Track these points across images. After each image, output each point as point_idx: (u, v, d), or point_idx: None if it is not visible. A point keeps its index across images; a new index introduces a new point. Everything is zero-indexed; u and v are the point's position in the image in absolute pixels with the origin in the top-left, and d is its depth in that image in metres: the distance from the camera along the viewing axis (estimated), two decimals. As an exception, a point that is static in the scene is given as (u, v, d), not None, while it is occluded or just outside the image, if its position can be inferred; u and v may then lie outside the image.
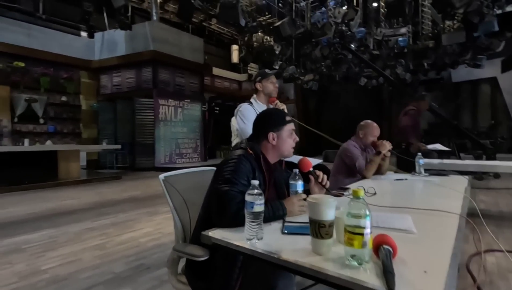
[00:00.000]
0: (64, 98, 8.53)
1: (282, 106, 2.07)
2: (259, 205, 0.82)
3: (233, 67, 13.74)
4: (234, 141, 3.50)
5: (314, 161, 1.97)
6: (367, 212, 0.68)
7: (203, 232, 0.92)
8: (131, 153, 8.58)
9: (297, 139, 1.24)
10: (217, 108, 11.91)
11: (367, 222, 0.68)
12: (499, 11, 6.23)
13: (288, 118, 1.24)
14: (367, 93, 12.85)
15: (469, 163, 3.43)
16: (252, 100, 2.09)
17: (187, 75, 9.59)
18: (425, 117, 12.38)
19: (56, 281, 1.95)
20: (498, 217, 3.37)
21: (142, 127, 8.55)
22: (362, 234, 0.67)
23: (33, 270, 2.12)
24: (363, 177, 2.18)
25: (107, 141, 7.60)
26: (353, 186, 1.70)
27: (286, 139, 1.20)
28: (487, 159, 5.97)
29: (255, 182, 0.84)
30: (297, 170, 1.18)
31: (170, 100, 8.85)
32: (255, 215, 0.82)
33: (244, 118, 1.97)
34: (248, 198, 0.83)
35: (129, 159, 8.64)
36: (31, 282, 1.94)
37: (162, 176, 1.26)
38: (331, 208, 0.74)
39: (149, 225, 3.25)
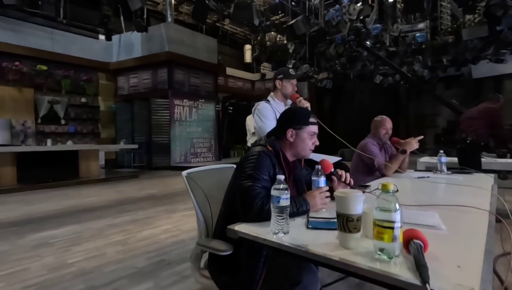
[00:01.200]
0: (83, 100, 8.83)
1: (306, 104, 2.05)
2: (285, 200, 0.83)
3: (246, 67, 13.80)
4: (250, 140, 3.50)
5: (333, 159, 1.96)
6: (397, 206, 0.68)
7: (229, 226, 0.94)
8: (147, 152, 8.77)
9: (317, 143, 1.23)
10: (231, 108, 11.99)
11: (397, 216, 0.67)
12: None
13: (312, 120, 1.22)
14: (383, 91, 12.57)
15: (492, 161, 3.31)
16: (269, 98, 2.10)
17: (201, 76, 9.71)
18: (445, 115, 12.02)
19: (82, 274, 2.03)
20: (525, 217, 3.22)
21: (158, 127, 8.73)
22: (392, 228, 0.67)
23: (60, 264, 2.21)
24: (383, 175, 2.15)
25: (124, 141, 7.81)
26: (373, 184, 1.68)
27: (305, 140, 1.19)
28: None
29: (281, 177, 0.86)
30: (319, 166, 1.18)
31: (185, 100, 8.99)
32: (281, 209, 0.83)
33: (262, 116, 1.98)
34: (274, 192, 0.84)
35: (146, 158, 8.84)
36: (59, 275, 2.02)
37: (185, 172, 1.29)
38: (359, 202, 0.74)
39: (168, 222, 3.32)
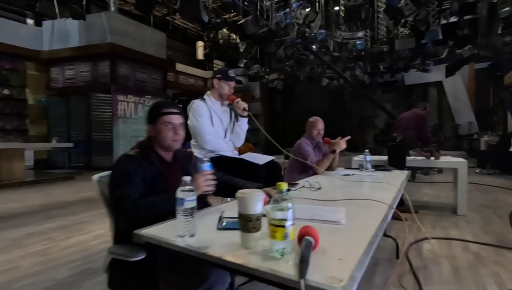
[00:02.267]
0: (6, 92, 7.73)
1: (244, 105, 2.06)
2: (189, 201, 0.81)
3: (199, 64, 13.49)
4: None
5: (265, 158, 2.01)
6: (289, 205, 0.71)
7: (135, 231, 0.89)
8: (86, 151, 8.04)
9: (181, 134, 1.23)
10: (181, 105, 11.54)
11: (289, 215, 0.70)
12: (444, 21, 6.84)
13: (166, 110, 1.21)
14: (330, 93, 13.38)
15: (412, 159, 3.73)
16: (205, 96, 2.07)
17: (148, 71, 9.20)
18: (383, 117, 13.24)
19: (-15, 292, 1.77)
20: (438, 207, 3.70)
21: (98, 124, 8.05)
22: (283, 226, 0.69)
23: (-43, 282, 1.90)
24: (315, 173, 2.27)
25: (57, 139, 7.04)
26: (303, 182, 1.76)
27: (162, 131, 1.20)
28: (432, 155, 6.55)
29: (187, 178, 0.84)
30: (204, 152, 1.19)
31: (130, 96, 8.44)
32: (185, 211, 0.81)
33: (197, 115, 1.94)
34: (179, 194, 0.82)
35: (84, 158, 8.09)
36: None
37: (96, 176, 1.21)
38: (257, 202, 0.76)
39: (102, 227, 3.07)
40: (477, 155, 7.93)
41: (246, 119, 2.07)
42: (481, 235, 2.65)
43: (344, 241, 0.81)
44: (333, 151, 2.27)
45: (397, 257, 2.22)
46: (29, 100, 8.21)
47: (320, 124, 2.45)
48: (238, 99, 2.03)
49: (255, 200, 0.75)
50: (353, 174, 2.14)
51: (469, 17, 6.17)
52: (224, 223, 0.92)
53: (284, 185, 0.73)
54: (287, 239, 0.69)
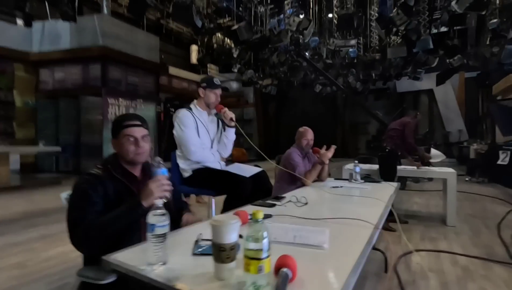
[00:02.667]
0: (-7, 93, 7.55)
1: (231, 115, 2.02)
2: (161, 227, 0.76)
3: (193, 68, 13.44)
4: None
5: (252, 169, 1.96)
6: (265, 234, 0.67)
7: (103, 257, 0.83)
8: (75, 155, 7.87)
9: (144, 146, 1.17)
10: (173, 109, 11.52)
11: (264, 246, 0.66)
12: (435, 31, 6.95)
13: (127, 123, 1.16)
14: (323, 99, 13.46)
15: (402, 168, 3.74)
16: (192, 105, 2.02)
17: (141, 74, 9.11)
18: (375, 124, 13.35)
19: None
20: (427, 217, 3.70)
21: (88, 128, 7.90)
22: (258, 259, 0.65)
23: None
24: (303, 184, 2.23)
25: (44, 143, 6.87)
26: (289, 196, 1.72)
27: (123, 145, 1.15)
28: (422, 163, 6.59)
29: (158, 202, 0.79)
30: (158, 158, 1.14)
31: (121, 99, 8.31)
32: (156, 238, 0.76)
33: (182, 125, 1.89)
34: (150, 219, 0.76)
35: (73, 162, 7.92)
36: None
37: (65, 194, 1.15)
38: (232, 231, 0.71)
39: (84, 237, 2.97)
40: (466, 163, 8.04)
41: (233, 129, 2.03)
42: (469, 247, 2.65)
43: (325, 269, 0.77)
44: (322, 163, 2.24)
45: (386, 270, 2.19)
46: (16, 102, 8.02)
47: (309, 134, 2.43)
48: (225, 109, 1.98)
49: (230, 229, 0.70)
50: (341, 186, 2.11)
51: (458, 27, 6.28)
52: (200, 249, 0.87)
53: (259, 214, 0.69)
54: (262, 273, 0.65)
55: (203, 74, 13.55)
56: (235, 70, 9.93)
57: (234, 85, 14.14)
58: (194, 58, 13.53)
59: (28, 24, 7.02)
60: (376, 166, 3.77)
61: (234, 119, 1.96)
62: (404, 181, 5.53)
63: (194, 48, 13.60)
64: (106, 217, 1.02)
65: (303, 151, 2.46)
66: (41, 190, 5.73)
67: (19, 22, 7.77)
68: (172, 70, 11.57)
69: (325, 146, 2.28)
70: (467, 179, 6.82)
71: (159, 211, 0.77)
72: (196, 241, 0.91)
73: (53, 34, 8.09)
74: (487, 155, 6.82)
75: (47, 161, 7.81)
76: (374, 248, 2.36)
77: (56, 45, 8.06)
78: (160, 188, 1.02)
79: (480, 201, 4.67)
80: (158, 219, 0.76)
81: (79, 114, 7.89)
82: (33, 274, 2.13)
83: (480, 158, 7.31)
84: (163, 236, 0.77)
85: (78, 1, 8.01)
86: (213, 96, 1.98)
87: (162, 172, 1.05)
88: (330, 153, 2.24)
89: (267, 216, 1.25)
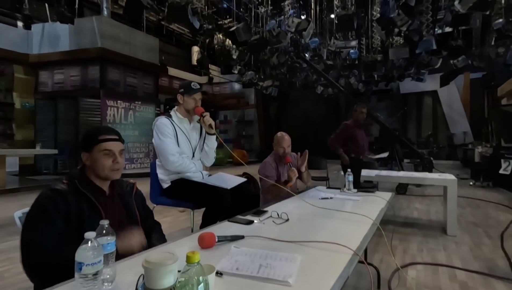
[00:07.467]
0: (-8, 95, 7.56)
1: (210, 121, 1.91)
2: (90, 266, 0.66)
3: (194, 69, 13.39)
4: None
5: (235, 180, 1.86)
6: (200, 279, 0.56)
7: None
8: (74, 157, 7.84)
9: (121, 162, 1.11)
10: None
11: (198, 296, 0.55)
12: (439, 31, 6.77)
13: (103, 137, 1.08)
14: (325, 100, 13.30)
15: (402, 175, 3.60)
16: (172, 112, 1.92)
17: (140, 76, 9.07)
18: (377, 125, 13.15)
19: None
20: (427, 226, 3.56)
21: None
22: (190, 312, 0.54)
23: None
24: (289, 194, 2.12)
25: (41, 145, 6.85)
26: (271, 211, 1.60)
27: (99, 160, 1.07)
28: (424, 167, 6.42)
29: (89, 235, 0.68)
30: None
31: (119, 101, 8.29)
32: (86, 278, 0.66)
33: (160, 134, 1.79)
34: (77, 257, 0.66)
35: (72, 163, 7.90)
36: None
37: (19, 213, 1.07)
38: (166, 274, 0.60)
39: (70, 245, 2.89)
40: (471, 166, 7.83)
41: (214, 137, 1.92)
42: (470, 260, 2.51)
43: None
44: (286, 182, 2.15)
45: (379, 286, 2.07)
46: (16, 104, 8.03)
47: (285, 142, 2.29)
48: (206, 114, 1.86)
49: (163, 272, 0.60)
50: (331, 198, 1.99)
51: (463, 28, 6.11)
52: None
53: (195, 257, 0.58)
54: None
55: (204, 76, 13.51)
56: (236, 71, 9.84)
57: (235, 86, 14.06)
58: (195, 59, 13.48)
59: (27, 26, 7.03)
60: (374, 172, 3.64)
61: (213, 126, 1.85)
62: (405, 185, 5.39)
63: (195, 49, 13.53)
64: (71, 252, 0.78)
65: (279, 158, 2.35)
66: (37, 193, 5.67)
67: (19, 24, 7.78)
68: (173, 71, 11.53)
69: (299, 153, 2.20)
70: (471, 183, 6.64)
71: (88, 245, 0.67)
72: (139, 278, 0.80)
73: (52, 36, 8.09)
74: (492, 158, 6.62)
75: (46, 163, 7.79)
76: (367, 263, 2.24)
77: (55, 47, 8.07)
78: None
79: (483, 207, 4.50)
80: (86, 256, 0.66)
81: (77, 116, 7.87)
82: (9, 287, 2.05)
83: (485, 162, 7.12)
84: (96, 274, 0.67)
85: (79, 3, 8.01)
86: (192, 101, 1.88)
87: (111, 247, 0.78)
88: (304, 161, 2.16)
89: (238, 238, 1.15)
